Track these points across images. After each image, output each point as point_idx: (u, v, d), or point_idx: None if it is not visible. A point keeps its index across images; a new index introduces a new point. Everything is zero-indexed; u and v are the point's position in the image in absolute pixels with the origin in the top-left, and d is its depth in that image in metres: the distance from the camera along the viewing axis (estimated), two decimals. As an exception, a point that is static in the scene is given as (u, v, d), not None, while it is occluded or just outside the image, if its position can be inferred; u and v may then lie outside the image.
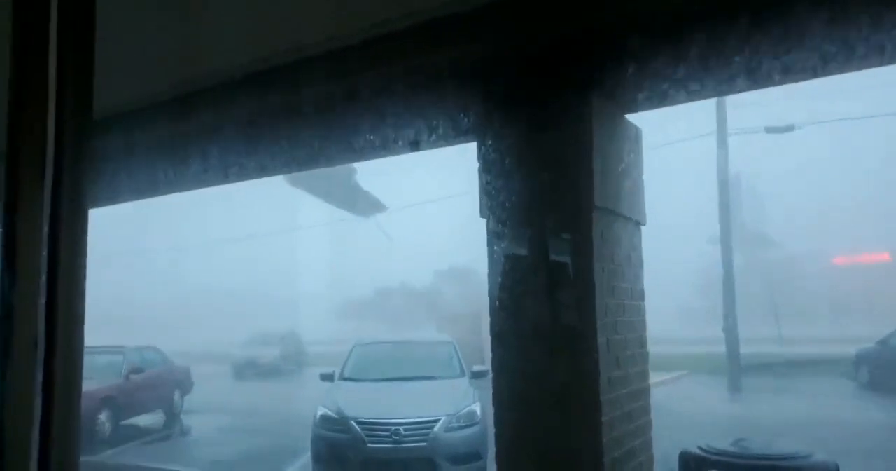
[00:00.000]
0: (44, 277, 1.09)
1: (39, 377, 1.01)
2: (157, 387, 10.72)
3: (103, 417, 9.33)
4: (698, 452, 2.36)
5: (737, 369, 9.52)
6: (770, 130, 10.39)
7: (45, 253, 1.09)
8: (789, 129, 10.34)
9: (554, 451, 2.53)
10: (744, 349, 9.55)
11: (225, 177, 4.05)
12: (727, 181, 10.10)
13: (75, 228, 1.21)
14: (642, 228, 2.96)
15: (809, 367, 9.81)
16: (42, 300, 1.08)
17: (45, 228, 1.12)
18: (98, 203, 4.64)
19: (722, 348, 9.77)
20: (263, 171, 3.86)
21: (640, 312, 2.87)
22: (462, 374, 7.80)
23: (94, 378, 9.60)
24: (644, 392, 2.85)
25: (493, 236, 2.64)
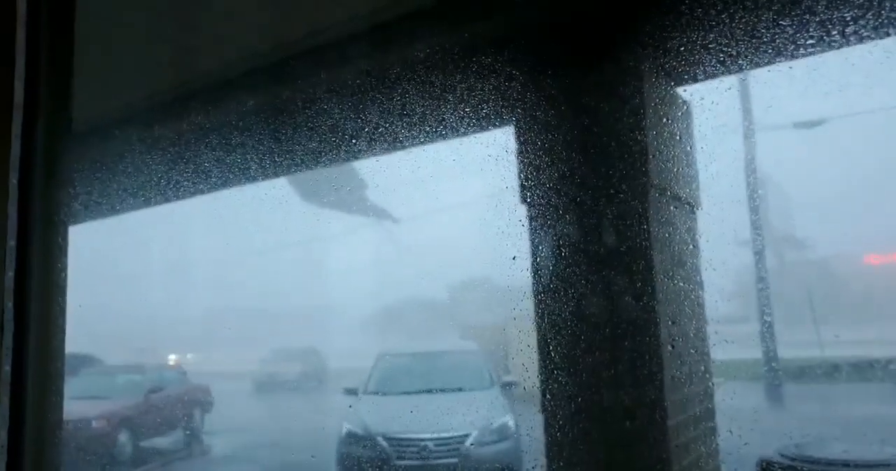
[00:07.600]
0: (10, 302, 0.92)
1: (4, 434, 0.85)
2: (177, 406, 10.54)
3: (123, 438, 9.15)
4: (781, 459, 2.06)
5: (776, 375, 9.13)
6: (798, 125, 10.07)
7: (11, 273, 0.92)
8: (818, 123, 10.01)
9: (614, 461, 2.26)
10: (782, 354, 9.15)
11: (243, 178, 3.86)
12: (755, 181, 9.80)
13: (49, 243, 1.03)
14: (697, 212, 2.71)
15: (851, 370, 9.38)
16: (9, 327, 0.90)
17: (12, 243, 0.95)
18: (89, 216, 4.45)
19: (757, 354, 9.34)
20: (285, 168, 3.67)
21: (701, 303, 2.61)
22: (492, 385, 7.51)
23: (113, 398, 9.44)
24: (709, 392, 2.58)
25: (537, 223, 2.40)
